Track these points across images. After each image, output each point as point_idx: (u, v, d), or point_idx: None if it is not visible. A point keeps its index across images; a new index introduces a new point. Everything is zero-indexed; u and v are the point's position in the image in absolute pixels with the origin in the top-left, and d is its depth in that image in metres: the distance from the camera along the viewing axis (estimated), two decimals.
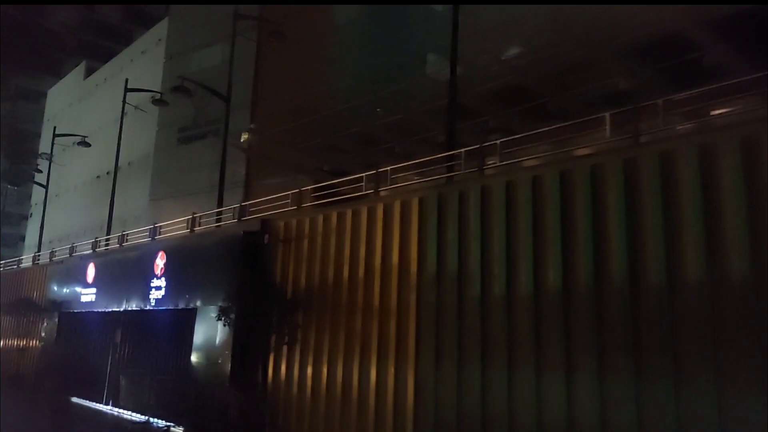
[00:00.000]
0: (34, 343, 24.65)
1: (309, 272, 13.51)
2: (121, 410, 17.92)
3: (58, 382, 21.86)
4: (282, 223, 14.51)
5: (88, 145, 30.24)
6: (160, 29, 36.79)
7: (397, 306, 11.40)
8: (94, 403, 19.71)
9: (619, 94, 18.57)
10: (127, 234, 21.61)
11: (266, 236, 14.47)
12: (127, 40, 49.60)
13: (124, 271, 19.75)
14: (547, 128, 10.87)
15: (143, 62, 38.54)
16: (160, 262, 17.66)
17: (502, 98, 20.64)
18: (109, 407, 18.90)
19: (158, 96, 25.26)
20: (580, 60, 17.71)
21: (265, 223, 14.95)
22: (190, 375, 15.26)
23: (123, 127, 28.53)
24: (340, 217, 13.09)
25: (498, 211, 10.13)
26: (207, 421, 14.01)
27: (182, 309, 16.40)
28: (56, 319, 23.42)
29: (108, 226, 25.75)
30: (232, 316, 14.21)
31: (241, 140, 26.85)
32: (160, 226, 19.58)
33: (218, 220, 18.16)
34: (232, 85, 22.81)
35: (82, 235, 34.63)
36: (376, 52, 24.41)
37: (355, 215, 12.75)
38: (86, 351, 21.01)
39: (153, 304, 17.58)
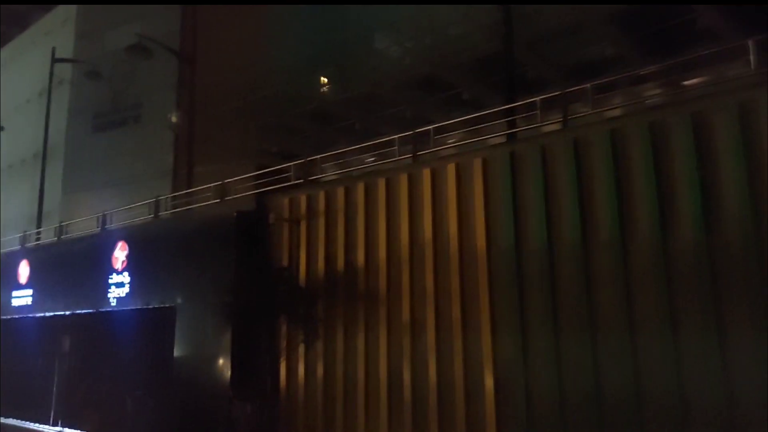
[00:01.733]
0: None
1: (329, 256, 11.37)
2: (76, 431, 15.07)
3: None
4: (286, 200, 12.26)
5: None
6: (66, 9, 32.51)
7: (460, 286, 9.53)
8: (35, 425, 16.63)
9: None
10: (67, 225, 18.46)
11: (271, 216, 12.18)
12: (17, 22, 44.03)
13: (69, 267, 16.73)
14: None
15: (48, 43, 33.97)
16: (120, 254, 14.91)
17: None
18: (58, 428, 15.92)
19: (91, 69, 21.90)
20: None
21: (262, 200, 12.64)
22: (175, 387, 12.73)
23: (26, 116, 25.24)
24: (370, 189, 11.04)
25: (601, 164, 8.42)
26: None
27: (156, 308, 13.79)
28: None
29: (38, 217, 22.24)
30: (229, 312, 11.89)
31: (172, 123, 23.99)
32: (111, 214, 16.68)
33: (187, 203, 15.55)
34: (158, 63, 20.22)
35: None
36: (325, 26, 22.30)
37: (391, 185, 10.73)
38: (21, 364, 17.78)
39: (113, 304, 14.82)
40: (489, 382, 8.99)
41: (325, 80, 23.97)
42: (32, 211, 26.63)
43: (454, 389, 9.35)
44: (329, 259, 11.37)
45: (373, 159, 12.84)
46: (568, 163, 8.66)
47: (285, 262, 11.94)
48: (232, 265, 12.21)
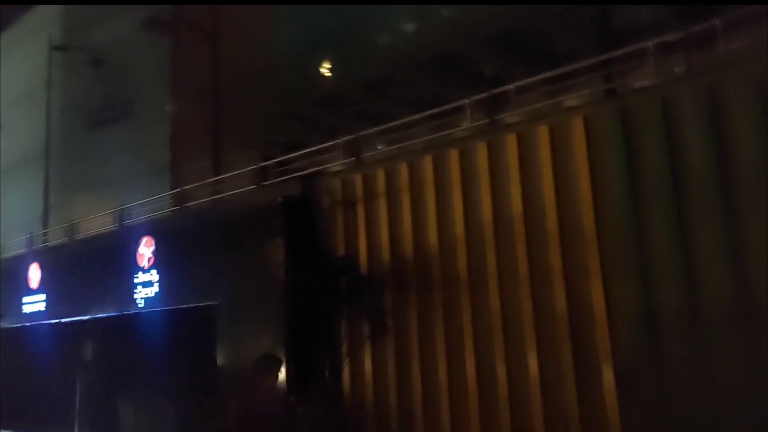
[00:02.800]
0: None
1: (395, 240, 10.10)
2: None
3: None
4: (338, 182, 10.97)
5: None
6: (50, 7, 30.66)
7: (563, 267, 8.30)
8: None
9: None
10: (77, 222, 17.03)
11: (325, 199, 10.88)
12: None
13: (87, 268, 15.35)
14: None
15: (33, 41, 32.12)
16: (146, 250, 13.57)
17: None
18: None
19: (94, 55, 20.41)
20: None
21: (310, 183, 11.33)
22: (224, 392, 11.42)
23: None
24: (439, 163, 9.77)
25: (748, 116, 7.17)
26: None
27: (192, 308, 12.50)
28: None
29: (44, 217, 20.79)
30: (282, 308, 10.65)
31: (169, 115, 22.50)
32: (131, 207, 15.29)
33: (216, 192, 14.18)
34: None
35: None
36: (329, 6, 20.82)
37: (466, 156, 9.47)
38: (37, 375, 16.41)
39: (141, 305, 13.50)
40: (609, 375, 7.78)
41: (332, 64, 22.39)
42: (25, 216, 25.01)
43: (563, 384, 8.14)
44: (395, 244, 10.10)
45: (425, 133, 11.55)
46: (698, 117, 7.42)
47: (342, 251, 10.67)
48: (282, 255, 10.92)
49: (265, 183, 12.46)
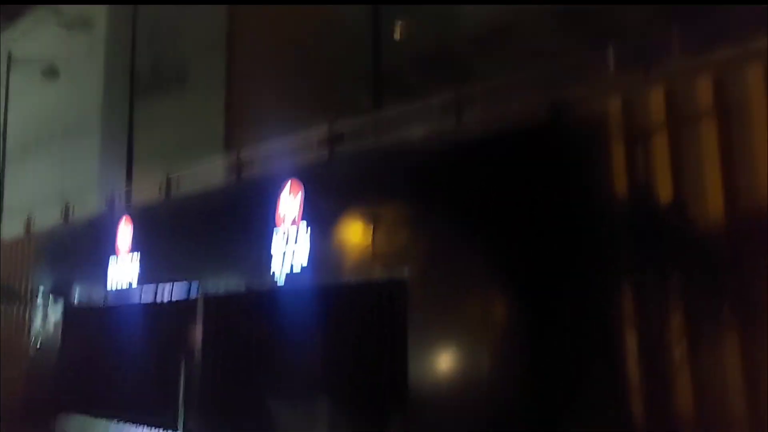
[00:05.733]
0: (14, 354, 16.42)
1: (732, 186, 6.56)
2: None
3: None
4: (618, 103, 7.42)
5: None
6: None
7: None
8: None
9: None
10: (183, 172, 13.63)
11: (611, 123, 7.29)
12: None
13: (197, 233, 12.07)
14: None
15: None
16: (291, 201, 10.18)
17: None
18: None
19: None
20: None
21: (564, 108, 7.75)
22: (421, 401, 8.01)
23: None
24: None
25: None
26: None
27: (363, 285, 9.10)
28: (59, 317, 15.43)
29: (127, 172, 17.53)
30: (527, 280, 7.25)
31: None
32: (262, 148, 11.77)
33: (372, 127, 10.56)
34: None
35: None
36: None
37: None
38: (123, 364, 13.24)
39: (282, 278, 10.13)
40: None
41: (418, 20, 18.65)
42: (62, 189, 21.72)
43: None
44: (733, 190, 6.55)
45: None
46: None
47: (628, 195, 7.14)
48: (526, 205, 7.48)
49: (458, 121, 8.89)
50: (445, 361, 8.13)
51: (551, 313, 7.25)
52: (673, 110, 6.98)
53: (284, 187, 10.28)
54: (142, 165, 17.76)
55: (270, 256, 10.27)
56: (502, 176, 7.85)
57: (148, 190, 14.52)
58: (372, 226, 9.01)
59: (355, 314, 9.08)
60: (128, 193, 15.58)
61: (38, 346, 15.85)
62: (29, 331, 16.28)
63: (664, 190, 6.91)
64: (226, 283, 11.23)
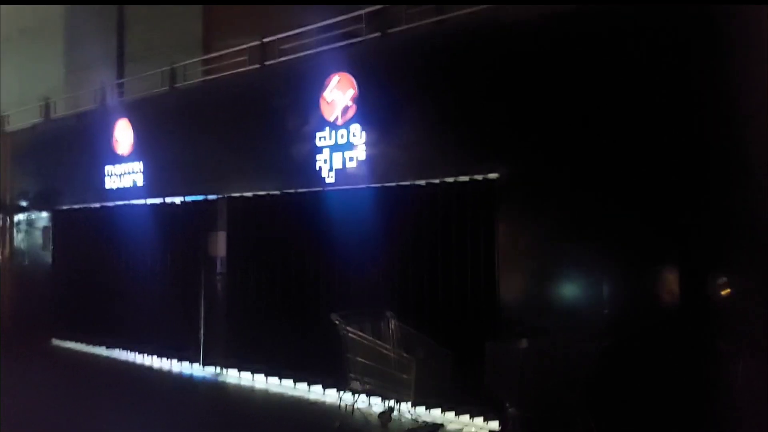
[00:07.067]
0: None
1: None
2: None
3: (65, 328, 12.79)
4: None
5: None
6: None
7: None
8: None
9: None
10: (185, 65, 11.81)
11: None
12: None
13: (214, 125, 10.47)
14: None
15: None
16: (342, 92, 8.66)
17: None
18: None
19: None
20: None
21: None
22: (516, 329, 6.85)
23: None
24: None
25: None
26: None
27: (436, 185, 7.79)
28: (49, 223, 13.78)
29: (118, 62, 15.36)
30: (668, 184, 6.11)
31: None
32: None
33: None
34: None
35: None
36: None
37: None
38: (124, 277, 11.82)
39: (331, 180, 8.74)
40: None
41: None
42: (27, 92, 18.94)
43: None
44: None
45: None
46: None
47: None
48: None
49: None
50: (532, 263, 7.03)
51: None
52: None
53: (332, 74, 8.73)
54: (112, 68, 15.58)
55: (316, 152, 8.84)
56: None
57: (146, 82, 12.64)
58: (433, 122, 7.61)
59: (422, 212, 7.85)
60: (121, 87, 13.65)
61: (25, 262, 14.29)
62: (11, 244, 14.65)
63: None
64: (254, 183, 9.79)
